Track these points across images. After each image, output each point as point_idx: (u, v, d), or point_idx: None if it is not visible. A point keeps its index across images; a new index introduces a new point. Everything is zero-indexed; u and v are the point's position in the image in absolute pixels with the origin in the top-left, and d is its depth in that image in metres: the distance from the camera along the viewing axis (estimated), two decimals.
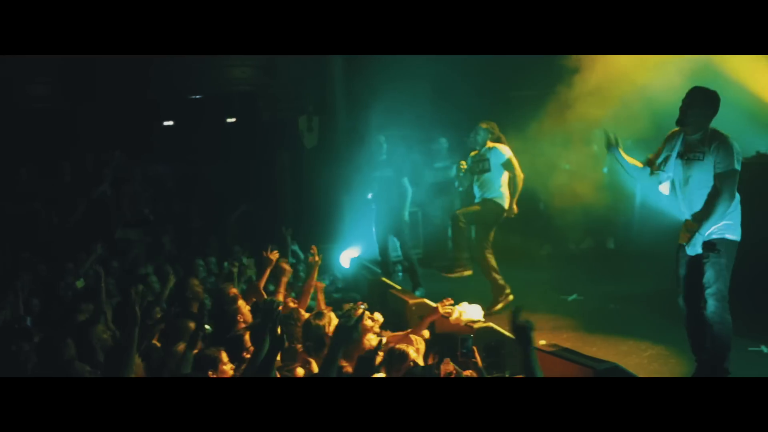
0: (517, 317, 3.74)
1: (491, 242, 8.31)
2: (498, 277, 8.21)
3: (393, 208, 9.58)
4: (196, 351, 4.99)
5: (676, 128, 5.53)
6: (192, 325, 5.51)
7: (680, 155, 5.42)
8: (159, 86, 13.47)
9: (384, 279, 8.61)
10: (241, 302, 6.34)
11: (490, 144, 8.38)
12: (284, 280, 7.20)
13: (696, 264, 5.47)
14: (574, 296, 8.86)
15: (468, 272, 8.42)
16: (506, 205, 8.30)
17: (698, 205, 5.35)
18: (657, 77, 7.95)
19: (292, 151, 13.85)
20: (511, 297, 8.16)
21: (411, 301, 7.46)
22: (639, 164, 5.81)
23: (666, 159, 5.53)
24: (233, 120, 15.14)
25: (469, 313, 6.33)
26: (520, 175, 8.24)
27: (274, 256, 7.32)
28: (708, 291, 5.36)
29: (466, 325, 6.20)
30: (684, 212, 5.49)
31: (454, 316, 6.34)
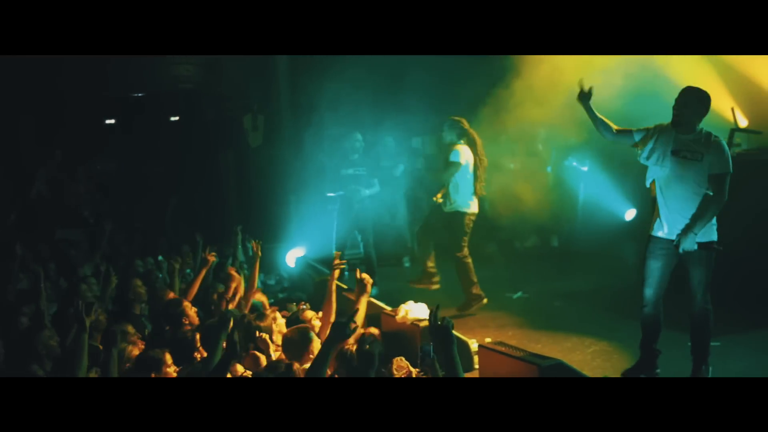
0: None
1: (467, 243, 8.25)
2: (473, 282, 8.18)
3: (363, 207, 9.51)
4: (137, 352, 4.90)
5: (664, 123, 5.59)
6: (130, 327, 5.41)
7: (674, 153, 5.48)
8: (101, 84, 13.19)
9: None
10: (186, 304, 6.24)
11: (456, 146, 8.20)
12: (233, 285, 7.10)
13: (674, 259, 5.60)
14: (519, 294, 8.94)
15: (436, 286, 8.36)
16: (471, 210, 8.20)
17: (688, 204, 5.41)
18: (600, 78, 8.05)
19: (237, 149, 13.70)
20: (485, 300, 8.18)
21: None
22: (611, 124, 5.86)
23: (661, 155, 5.57)
24: (177, 118, 14.92)
25: (415, 311, 6.32)
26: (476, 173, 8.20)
27: (212, 257, 7.25)
28: (702, 287, 5.52)
29: (412, 323, 6.19)
30: (670, 207, 5.52)
31: (400, 314, 6.33)
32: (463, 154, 8.11)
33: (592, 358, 6.27)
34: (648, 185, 5.75)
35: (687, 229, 5.35)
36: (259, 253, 7.58)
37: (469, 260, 8.20)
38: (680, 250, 5.35)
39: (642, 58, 7.71)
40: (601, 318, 7.60)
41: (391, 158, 11.54)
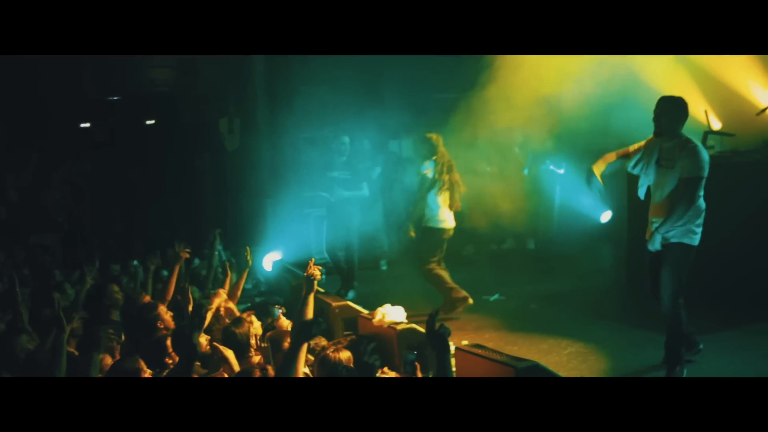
0: (434, 323, 3.75)
1: (438, 258, 8.23)
2: (450, 286, 8.16)
3: (349, 210, 9.49)
4: (111, 361, 4.86)
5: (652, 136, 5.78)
6: (110, 332, 5.36)
7: (657, 162, 5.66)
8: (75, 87, 13.07)
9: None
10: (162, 308, 6.18)
11: (426, 162, 8.19)
12: (216, 301, 7.07)
13: (657, 261, 5.72)
14: (496, 296, 8.97)
15: (470, 300, 8.19)
16: (446, 225, 8.16)
17: (665, 210, 5.58)
18: (573, 80, 8.12)
19: (213, 153, 13.64)
20: (470, 301, 8.16)
21: (334, 304, 7.40)
22: (609, 158, 6.10)
23: (645, 164, 5.80)
24: (153, 122, 14.82)
25: (392, 314, 6.31)
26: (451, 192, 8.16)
27: (185, 254, 7.18)
28: (667, 287, 5.60)
29: (389, 326, 6.18)
30: (650, 213, 5.72)
31: (377, 318, 6.31)
32: (433, 168, 8.10)
33: (568, 360, 6.30)
34: (641, 195, 5.87)
35: (654, 230, 5.51)
36: (249, 261, 7.55)
37: (438, 270, 8.19)
38: (648, 248, 5.44)
39: (615, 62, 7.77)
40: (577, 320, 7.64)
41: (368, 161, 11.53)
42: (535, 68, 8.25)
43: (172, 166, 13.54)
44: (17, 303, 5.99)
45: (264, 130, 12.59)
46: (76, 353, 5.49)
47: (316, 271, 5.09)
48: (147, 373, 4.65)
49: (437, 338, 3.70)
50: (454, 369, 5.77)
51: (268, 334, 5.55)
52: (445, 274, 8.20)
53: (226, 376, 5.00)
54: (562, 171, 11.40)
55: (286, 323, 5.88)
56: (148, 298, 6.55)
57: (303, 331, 3.92)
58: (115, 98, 14.38)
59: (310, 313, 4.68)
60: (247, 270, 7.54)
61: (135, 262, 8.87)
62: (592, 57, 7.21)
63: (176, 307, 6.52)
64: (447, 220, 8.16)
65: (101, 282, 7.61)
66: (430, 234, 8.14)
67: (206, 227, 11.49)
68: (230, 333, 5.41)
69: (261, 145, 12.54)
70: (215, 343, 5.43)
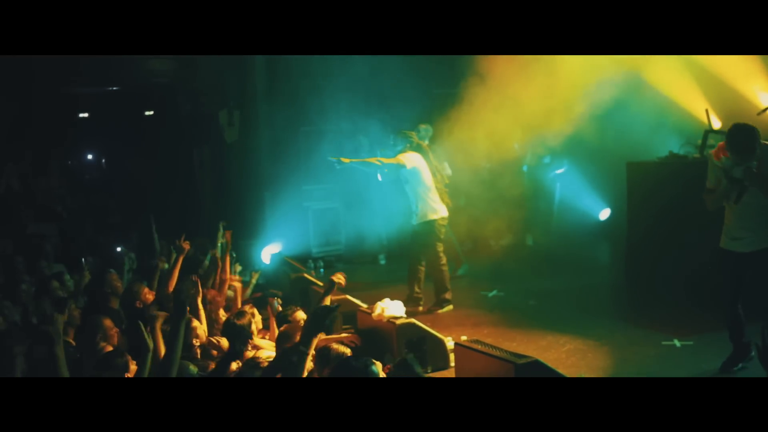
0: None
1: (443, 254, 8.22)
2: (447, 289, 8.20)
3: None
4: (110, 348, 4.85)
5: None
6: (109, 321, 5.34)
7: None
8: (76, 78, 13.04)
9: (306, 275, 8.53)
10: (144, 290, 6.30)
11: (400, 157, 8.11)
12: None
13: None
14: (494, 292, 8.97)
15: (421, 308, 8.23)
16: (440, 214, 8.15)
17: None
18: (580, 78, 8.12)
19: (212, 145, 13.62)
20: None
21: (333, 298, 7.40)
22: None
23: None
24: (152, 113, 14.79)
25: (391, 309, 6.32)
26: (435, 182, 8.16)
27: (186, 245, 7.17)
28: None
29: (388, 321, 6.19)
30: None
31: (376, 312, 6.33)
32: (410, 159, 8.05)
33: (567, 357, 6.30)
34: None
35: None
36: (229, 241, 7.80)
37: (446, 268, 8.22)
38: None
39: (617, 61, 7.78)
40: (575, 316, 7.64)
41: (365, 156, 11.54)
42: (535, 65, 8.25)
43: (171, 157, 13.53)
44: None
45: (264, 122, 12.58)
46: (73, 343, 5.48)
47: (342, 280, 5.15)
48: (133, 365, 4.61)
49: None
50: (452, 364, 5.82)
51: (283, 327, 5.57)
52: (448, 276, 8.26)
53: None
54: (562, 170, 11.44)
55: (300, 316, 5.89)
56: (145, 288, 6.55)
57: (314, 325, 3.90)
58: (115, 89, 14.34)
59: None
60: (228, 252, 7.58)
61: (129, 253, 8.85)
62: (593, 56, 7.19)
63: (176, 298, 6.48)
64: (440, 210, 8.16)
65: (99, 271, 7.60)
66: (426, 228, 8.13)
67: (205, 219, 11.49)
68: (231, 324, 5.41)
69: (260, 137, 12.53)
70: (211, 338, 5.44)
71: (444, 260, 8.21)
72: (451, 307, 8.17)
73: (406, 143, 8.22)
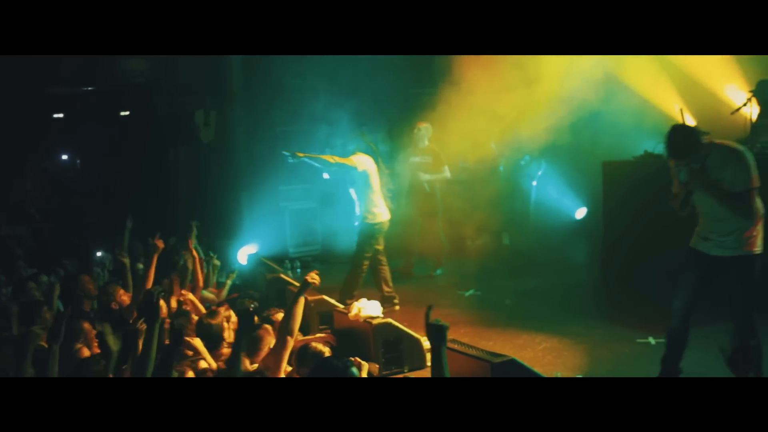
0: (429, 316, 3.73)
1: (368, 255, 8.13)
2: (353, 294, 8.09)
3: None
4: (89, 353, 4.81)
5: None
6: (87, 325, 5.30)
7: None
8: (50, 78, 12.89)
9: (282, 275, 8.50)
10: (119, 291, 6.23)
11: (353, 159, 8.05)
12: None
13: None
14: (471, 291, 8.99)
15: (396, 308, 8.26)
16: (382, 218, 8.08)
17: None
18: (557, 79, 8.16)
19: (189, 145, 13.52)
20: (397, 308, 8.21)
21: (310, 298, 7.39)
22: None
23: None
24: (127, 113, 14.66)
25: (368, 309, 6.31)
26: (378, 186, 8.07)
27: (161, 243, 7.12)
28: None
29: (365, 321, 6.19)
30: None
31: (353, 312, 6.32)
32: (361, 161, 8.00)
33: (543, 355, 6.33)
34: None
35: None
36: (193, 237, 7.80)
37: (364, 273, 8.14)
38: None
39: (593, 62, 7.82)
40: (552, 315, 7.67)
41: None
42: (512, 64, 8.28)
43: (147, 158, 13.42)
44: None
45: (240, 122, 12.52)
46: (45, 345, 5.42)
47: (316, 279, 5.14)
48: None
49: (435, 331, 3.68)
50: (428, 364, 5.81)
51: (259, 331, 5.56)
52: (361, 281, 8.18)
53: (189, 370, 4.97)
54: (540, 173, 11.52)
55: (280, 316, 5.88)
56: (121, 290, 6.50)
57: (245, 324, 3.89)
58: (90, 89, 14.20)
59: (299, 312, 4.76)
60: (192, 251, 7.57)
61: (105, 254, 8.78)
62: (571, 56, 7.23)
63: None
64: (382, 214, 8.10)
65: (74, 273, 7.54)
66: (367, 230, 8.09)
67: (182, 219, 11.41)
68: (204, 325, 5.39)
69: (237, 137, 12.47)
70: (187, 338, 5.40)
71: (365, 267, 8.14)
72: (397, 308, 8.21)
73: (358, 145, 8.18)
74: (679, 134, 4.99)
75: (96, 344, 5.27)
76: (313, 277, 5.24)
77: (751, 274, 5.02)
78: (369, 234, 8.08)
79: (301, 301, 4.90)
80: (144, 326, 4.37)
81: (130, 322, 5.58)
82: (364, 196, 8.07)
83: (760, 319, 4.98)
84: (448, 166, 9.81)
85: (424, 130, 9.73)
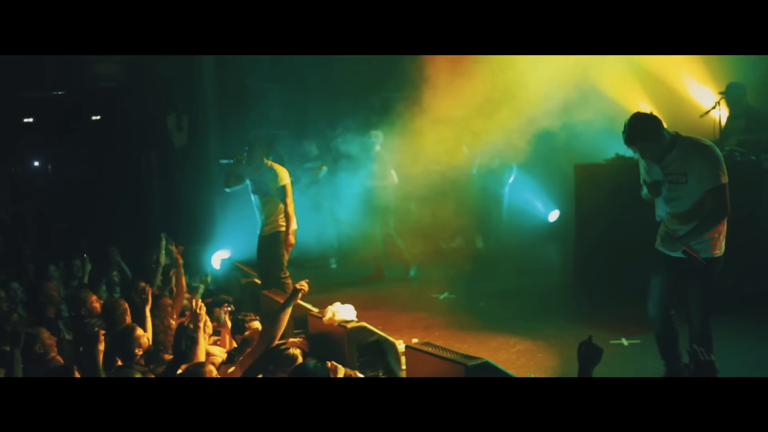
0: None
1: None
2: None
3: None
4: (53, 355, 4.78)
5: None
6: (46, 332, 5.24)
7: None
8: (19, 83, 12.73)
9: (256, 280, 8.45)
10: (91, 297, 6.22)
11: (272, 165, 7.98)
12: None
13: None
14: (445, 294, 9.00)
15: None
16: (294, 226, 8.00)
17: None
18: (529, 82, 8.18)
19: (160, 150, 13.43)
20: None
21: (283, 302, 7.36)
22: None
23: None
24: (98, 118, 14.52)
25: (342, 312, 6.29)
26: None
27: (180, 258, 7.19)
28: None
29: (339, 325, 6.16)
30: None
31: (327, 316, 6.29)
32: (284, 172, 7.96)
33: (517, 357, 6.35)
34: None
35: None
36: (180, 260, 7.53)
37: (290, 281, 7.97)
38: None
39: (565, 63, 7.85)
40: (525, 318, 7.70)
41: (315, 160, 11.51)
42: (484, 65, 8.29)
43: (119, 162, 13.31)
44: None
45: (213, 126, 12.46)
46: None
47: (306, 287, 5.15)
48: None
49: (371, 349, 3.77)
50: (403, 367, 5.80)
51: (246, 333, 5.55)
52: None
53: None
54: (512, 179, 11.59)
55: (257, 326, 5.88)
56: (93, 296, 6.44)
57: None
58: (60, 93, 14.05)
59: (285, 319, 4.77)
60: (180, 267, 7.50)
61: (77, 261, 8.69)
62: (542, 57, 7.24)
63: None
64: (293, 222, 8.03)
65: (39, 280, 7.48)
66: (277, 238, 8.02)
67: (154, 224, 11.33)
68: (183, 328, 5.38)
69: (209, 141, 12.41)
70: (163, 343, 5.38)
71: (288, 273, 8.06)
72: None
73: (267, 151, 8.14)
74: (638, 119, 4.91)
75: (59, 350, 5.23)
76: (303, 285, 5.25)
77: (708, 278, 4.91)
78: (285, 242, 8.00)
79: (289, 308, 4.91)
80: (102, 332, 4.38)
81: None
82: (276, 205, 7.96)
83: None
84: (424, 171, 9.83)
85: (374, 137, 9.76)
